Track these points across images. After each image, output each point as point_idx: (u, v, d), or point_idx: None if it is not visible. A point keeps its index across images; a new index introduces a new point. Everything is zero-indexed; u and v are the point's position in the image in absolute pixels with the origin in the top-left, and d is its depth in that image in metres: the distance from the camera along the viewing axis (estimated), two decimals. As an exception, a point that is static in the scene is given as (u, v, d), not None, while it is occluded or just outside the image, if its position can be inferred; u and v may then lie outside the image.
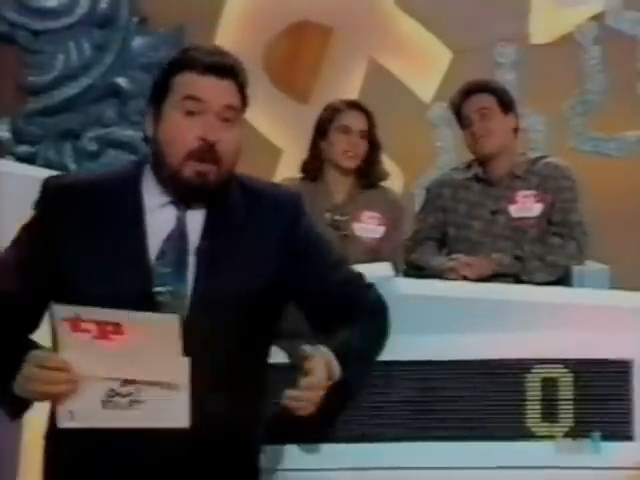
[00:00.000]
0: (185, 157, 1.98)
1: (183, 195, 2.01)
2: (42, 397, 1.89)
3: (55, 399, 1.87)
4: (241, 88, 2.04)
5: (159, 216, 2.01)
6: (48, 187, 2.04)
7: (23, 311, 2.01)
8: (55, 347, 1.86)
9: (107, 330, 1.84)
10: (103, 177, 2.11)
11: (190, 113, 1.99)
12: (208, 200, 2.02)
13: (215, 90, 2.00)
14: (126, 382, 1.86)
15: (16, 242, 2.06)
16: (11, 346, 1.94)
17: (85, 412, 1.86)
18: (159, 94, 2.03)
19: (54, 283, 1.97)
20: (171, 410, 1.86)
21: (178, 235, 1.99)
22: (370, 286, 2.13)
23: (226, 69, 2.02)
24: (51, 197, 2.03)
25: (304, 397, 1.86)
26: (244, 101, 2.06)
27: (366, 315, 2.08)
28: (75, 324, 1.83)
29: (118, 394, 1.86)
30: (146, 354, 1.85)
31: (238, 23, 5.33)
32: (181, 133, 1.98)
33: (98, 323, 1.84)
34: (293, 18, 5.33)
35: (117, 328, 1.84)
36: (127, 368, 1.85)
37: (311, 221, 2.13)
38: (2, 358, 1.94)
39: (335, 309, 2.05)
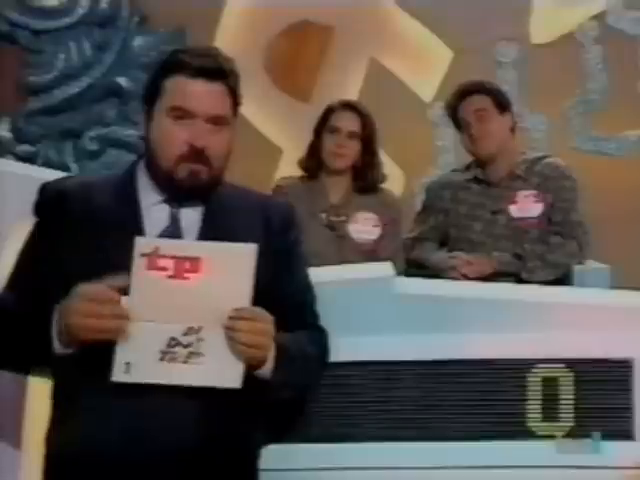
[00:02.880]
0: (176, 160, 2.00)
1: (176, 194, 2.04)
2: (92, 333, 1.87)
3: (106, 337, 1.87)
4: (232, 90, 2.04)
5: (154, 213, 2.03)
6: (45, 193, 2.07)
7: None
8: (129, 288, 1.88)
9: (184, 267, 1.87)
10: (99, 179, 2.15)
11: (179, 118, 2.01)
12: (200, 198, 2.04)
13: (204, 98, 2.00)
14: (190, 330, 1.88)
15: (23, 251, 2.08)
16: (38, 316, 1.94)
17: (141, 364, 1.88)
18: (151, 96, 2.05)
19: (58, 284, 1.96)
20: (226, 367, 1.89)
21: (172, 231, 2.02)
22: (322, 330, 2.13)
23: (216, 72, 2.02)
24: (49, 202, 2.06)
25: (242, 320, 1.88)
26: (236, 103, 2.06)
27: (309, 339, 2.07)
28: (153, 260, 1.87)
29: (179, 343, 1.88)
30: (217, 293, 1.88)
31: (239, 23, 5.32)
32: (170, 138, 2.01)
33: (177, 259, 1.87)
34: (294, 18, 5.32)
35: (195, 264, 1.87)
36: (194, 313, 1.88)
37: (299, 237, 2.14)
38: (33, 325, 1.95)
39: (282, 321, 2.01)
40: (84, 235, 1.99)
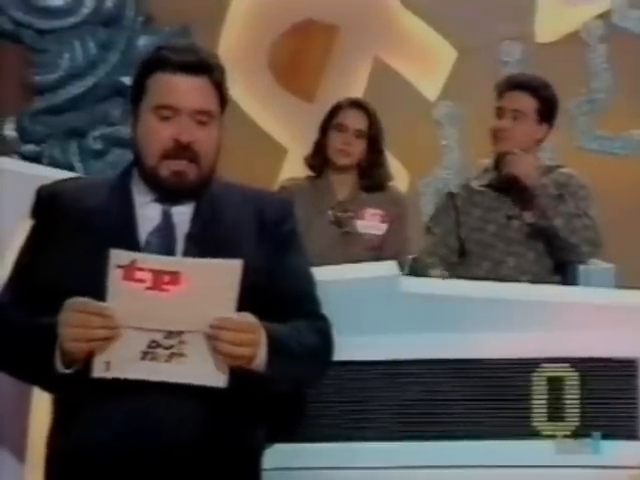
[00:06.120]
0: (160, 157, 2.00)
1: (162, 193, 2.04)
2: (80, 343, 1.87)
3: (94, 346, 1.87)
4: (217, 84, 2.04)
5: (148, 212, 2.03)
6: (42, 195, 2.08)
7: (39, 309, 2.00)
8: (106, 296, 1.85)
9: (163, 280, 1.84)
10: (97, 180, 2.18)
11: (164, 116, 2.01)
12: (189, 198, 2.03)
13: (187, 93, 2.00)
14: (171, 334, 1.86)
15: (21, 253, 2.09)
16: (40, 325, 1.94)
17: (122, 363, 1.86)
18: (136, 94, 2.05)
19: (56, 285, 1.97)
20: (210, 368, 1.87)
21: (164, 227, 2.01)
22: (324, 318, 2.10)
23: (198, 66, 2.01)
24: (46, 204, 2.07)
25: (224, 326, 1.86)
26: (222, 98, 2.05)
27: (309, 328, 2.04)
28: (129, 272, 1.83)
29: (160, 345, 1.86)
30: (198, 304, 1.85)
31: (243, 22, 5.33)
32: (155, 135, 2.01)
33: (155, 272, 1.84)
34: (298, 17, 5.33)
35: (174, 277, 1.84)
36: (174, 320, 1.85)
37: (295, 229, 2.12)
38: (35, 338, 1.94)
39: (282, 312, 2.01)
40: (79, 236, 2.00)
